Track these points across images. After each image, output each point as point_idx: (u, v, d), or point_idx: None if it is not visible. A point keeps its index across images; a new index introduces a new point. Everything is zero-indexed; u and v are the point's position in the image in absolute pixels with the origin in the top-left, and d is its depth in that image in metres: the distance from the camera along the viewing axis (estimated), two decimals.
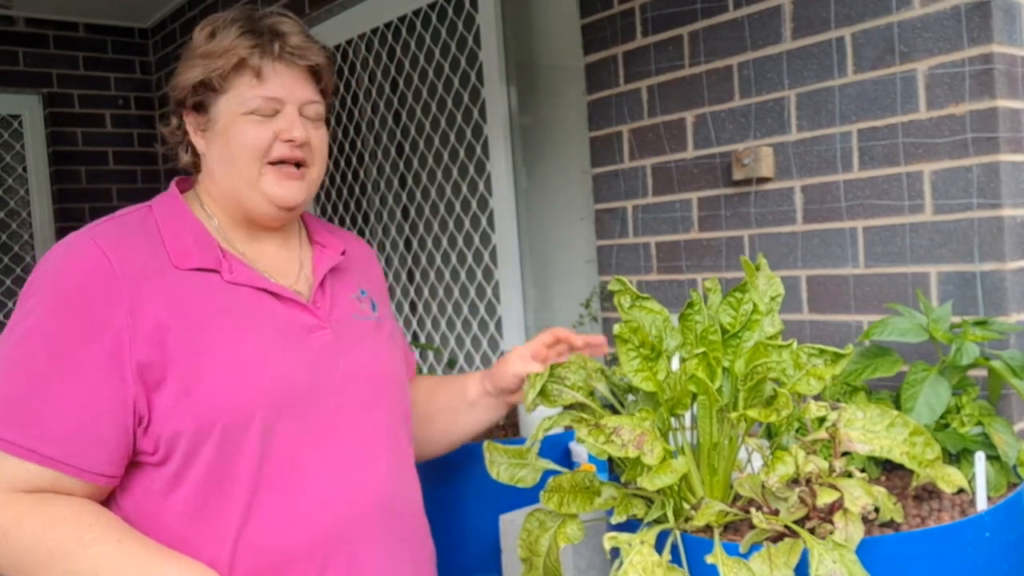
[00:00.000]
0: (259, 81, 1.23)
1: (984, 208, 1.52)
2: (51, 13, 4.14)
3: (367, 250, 1.52)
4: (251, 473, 1.15)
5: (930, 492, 1.28)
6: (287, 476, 1.17)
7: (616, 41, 2.13)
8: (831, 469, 1.10)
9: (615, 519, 1.19)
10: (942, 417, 1.35)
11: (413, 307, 3.11)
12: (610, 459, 1.46)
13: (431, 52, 2.84)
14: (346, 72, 3.25)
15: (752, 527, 1.08)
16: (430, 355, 3.02)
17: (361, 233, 3.31)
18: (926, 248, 1.60)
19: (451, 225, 2.87)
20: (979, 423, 1.34)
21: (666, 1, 2.01)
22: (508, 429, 1.99)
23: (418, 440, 1.45)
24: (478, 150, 2.70)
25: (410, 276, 3.13)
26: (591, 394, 1.33)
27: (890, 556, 1.05)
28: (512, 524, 1.58)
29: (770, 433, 1.35)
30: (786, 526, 1.06)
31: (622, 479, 1.26)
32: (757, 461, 1.28)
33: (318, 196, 3.49)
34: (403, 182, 3.12)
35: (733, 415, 1.17)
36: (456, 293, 2.90)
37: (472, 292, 2.82)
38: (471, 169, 2.75)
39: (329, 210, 3.47)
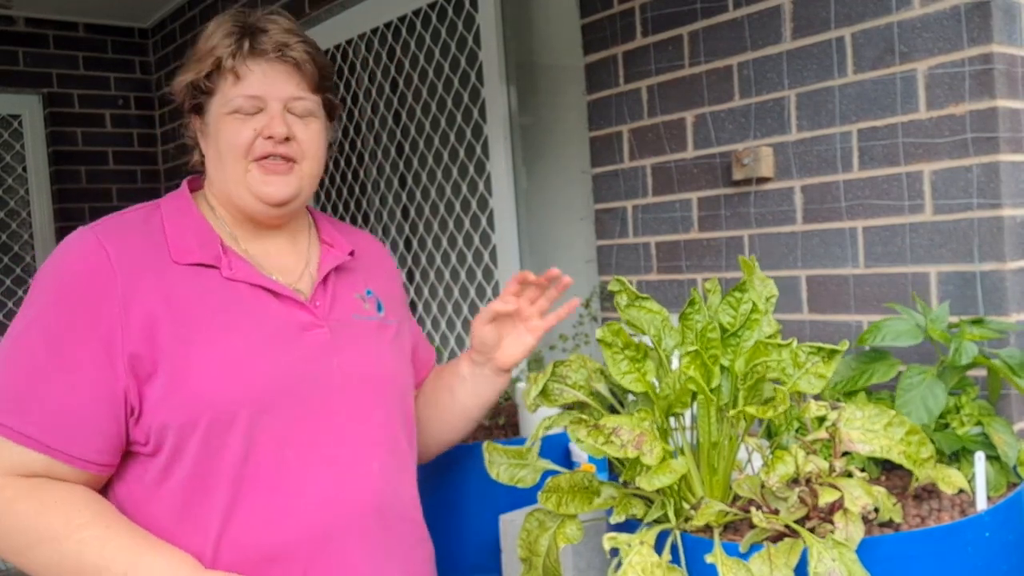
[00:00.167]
0: (238, 80, 1.24)
1: (984, 208, 1.52)
2: (51, 13, 4.14)
3: (380, 250, 1.52)
4: (235, 469, 1.15)
5: (930, 492, 1.28)
6: (273, 474, 1.17)
7: (616, 41, 2.13)
8: (831, 469, 1.10)
9: (614, 519, 1.19)
10: (941, 417, 1.35)
11: (413, 307, 3.10)
12: (610, 459, 1.46)
13: (431, 52, 2.84)
14: (346, 72, 3.25)
15: (752, 527, 1.07)
16: None
17: None
18: (926, 248, 1.60)
19: (451, 225, 2.87)
20: (979, 423, 1.34)
21: (666, 1, 2.01)
22: (508, 429, 1.98)
23: (424, 426, 1.45)
24: (478, 150, 2.70)
25: (410, 276, 3.13)
26: (592, 393, 1.33)
27: (890, 556, 1.05)
28: (512, 524, 1.57)
29: (770, 433, 1.35)
30: (786, 526, 1.06)
31: (621, 479, 1.26)
32: (757, 461, 1.28)
33: (318, 195, 3.49)
34: (403, 182, 3.12)
35: (732, 413, 1.17)
36: (456, 293, 2.90)
37: (472, 292, 2.82)
38: (471, 169, 2.75)
39: (329, 210, 3.47)
